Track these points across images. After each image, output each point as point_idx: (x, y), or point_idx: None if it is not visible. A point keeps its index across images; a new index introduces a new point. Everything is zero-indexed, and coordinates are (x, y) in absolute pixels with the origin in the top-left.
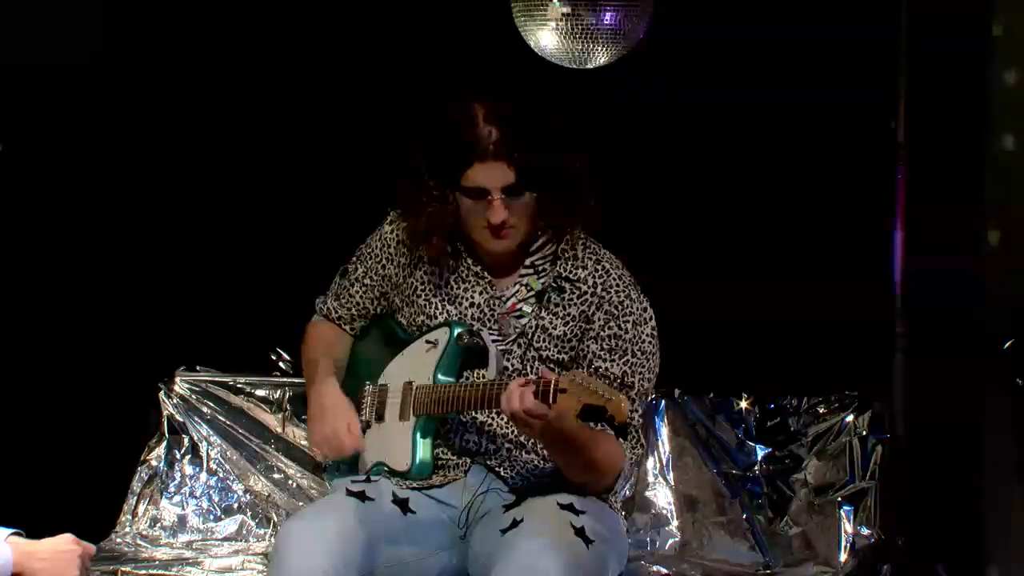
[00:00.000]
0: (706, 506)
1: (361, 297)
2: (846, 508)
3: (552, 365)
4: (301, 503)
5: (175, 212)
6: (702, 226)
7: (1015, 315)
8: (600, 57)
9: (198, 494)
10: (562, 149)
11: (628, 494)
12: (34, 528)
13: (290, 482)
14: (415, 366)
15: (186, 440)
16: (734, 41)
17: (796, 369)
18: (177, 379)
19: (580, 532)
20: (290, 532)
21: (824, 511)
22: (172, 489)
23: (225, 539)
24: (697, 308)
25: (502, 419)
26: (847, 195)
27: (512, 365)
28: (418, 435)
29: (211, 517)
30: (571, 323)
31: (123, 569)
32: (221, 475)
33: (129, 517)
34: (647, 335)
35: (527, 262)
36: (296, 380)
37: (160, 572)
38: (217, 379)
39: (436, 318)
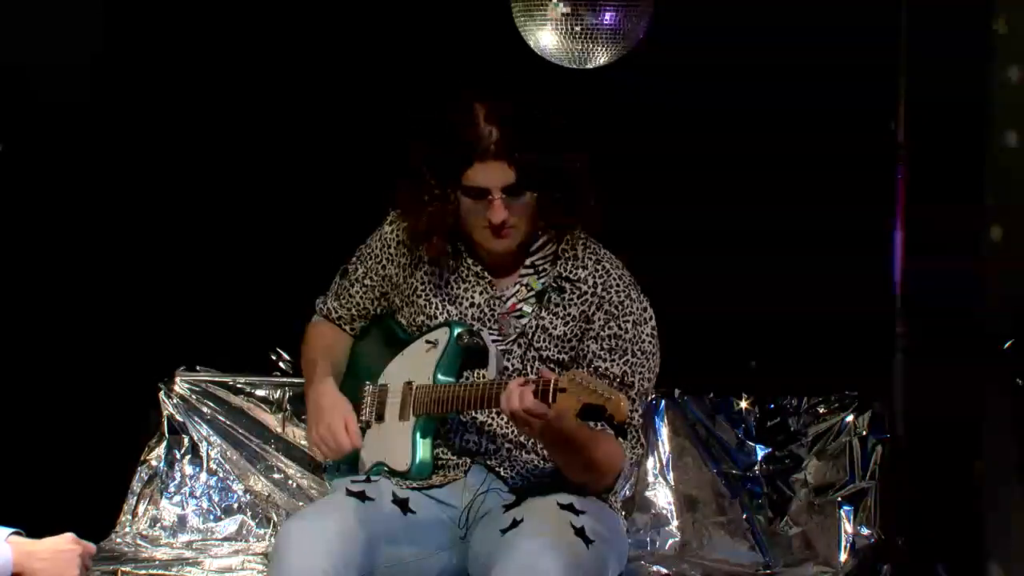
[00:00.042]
0: (706, 506)
1: (361, 297)
2: (846, 508)
3: (552, 365)
4: (301, 503)
5: (175, 212)
6: (702, 226)
7: (1015, 315)
8: (600, 57)
9: (198, 494)
10: (562, 149)
11: (628, 494)
12: (34, 528)
13: (290, 482)
14: (415, 366)
15: (186, 440)
16: (734, 41)
17: (796, 369)
18: (177, 379)
19: (580, 532)
20: (290, 532)
21: (824, 511)
22: (172, 489)
23: (225, 539)
24: (697, 308)
25: (502, 419)
26: (847, 195)
27: (512, 365)
28: (418, 435)
29: (211, 517)
30: (571, 323)
31: (123, 569)
32: (221, 475)
33: (129, 517)
34: (647, 335)
35: (527, 262)
36: (296, 380)
37: (160, 572)
38: (217, 379)
39: (436, 318)
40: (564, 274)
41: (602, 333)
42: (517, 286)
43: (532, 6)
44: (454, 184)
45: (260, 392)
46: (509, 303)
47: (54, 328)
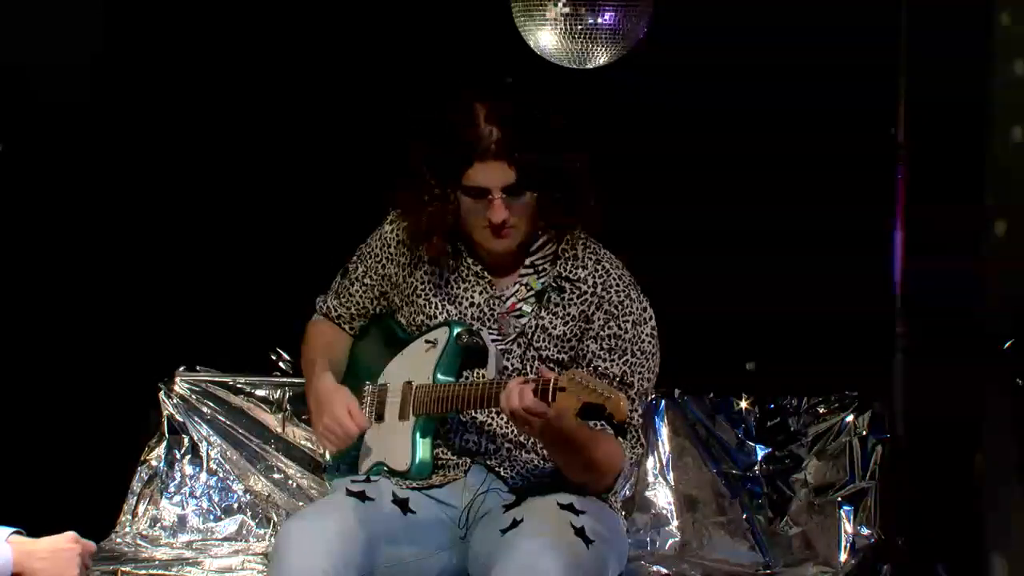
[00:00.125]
0: (706, 506)
1: (361, 296)
2: (846, 508)
3: (552, 365)
4: (301, 503)
5: (175, 212)
6: (702, 226)
7: (1015, 315)
8: (600, 57)
9: (198, 494)
10: (562, 149)
11: (628, 494)
12: (35, 528)
13: (290, 482)
14: (415, 366)
15: (186, 440)
16: (734, 41)
17: (796, 369)
18: (177, 379)
19: (580, 532)
20: (290, 532)
21: (824, 511)
22: (172, 489)
23: (225, 539)
24: (697, 308)
25: (502, 419)
26: (847, 195)
27: (512, 365)
28: (418, 435)
29: (211, 517)
30: (571, 323)
31: (123, 569)
32: (221, 475)
33: (129, 517)
34: (647, 335)
35: (527, 262)
36: (296, 380)
37: (160, 572)
38: (217, 379)
39: (436, 318)
40: (564, 274)
41: (602, 333)
42: (517, 286)
43: (532, 6)
44: (454, 184)
45: (260, 392)
46: (509, 303)
47: (54, 328)
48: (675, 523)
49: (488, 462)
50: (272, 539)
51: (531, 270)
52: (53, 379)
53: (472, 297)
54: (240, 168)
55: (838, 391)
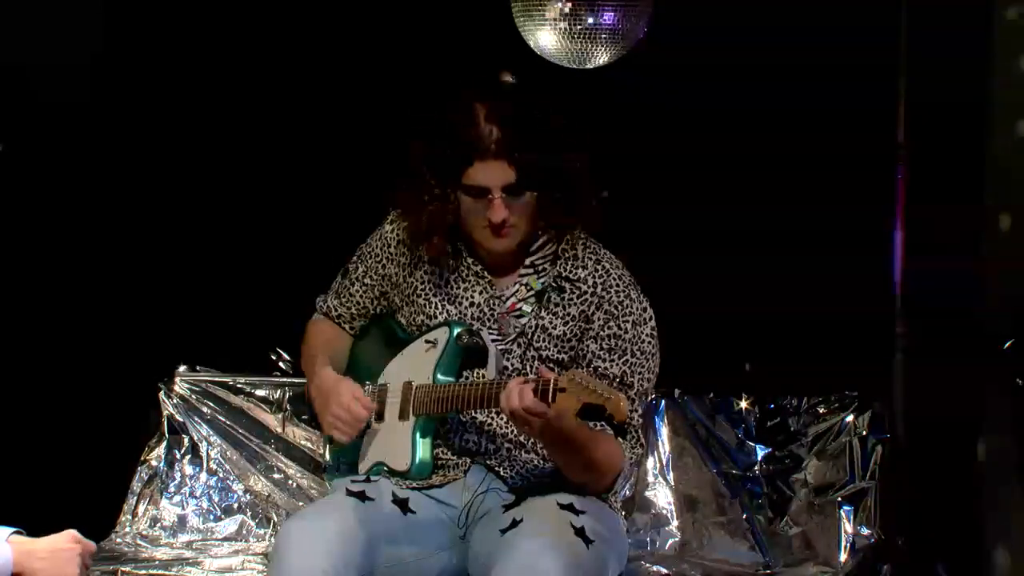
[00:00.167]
0: (706, 506)
1: (361, 296)
2: (846, 508)
3: (552, 365)
4: (301, 503)
5: (175, 212)
6: (702, 226)
7: (1015, 315)
8: (600, 57)
9: (198, 494)
10: (562, 149)
11: (628, 494)
12: (35, 528)
13: (290, 482)
14: (415, 366)
15: (186, 440)
16: (734, 41)
17: (796, 369)
18: (177, 379)
19: (580, 532)
20: (290, 532)
21: (824, 511)
22: (172, 489)
23: (225, 539)
24: (697, 308)
25: (502, 419)
26: (847, 195)
27: (512, 365)
28: (418, 435)
29: (211, 517)
30: (571, 323)
31: (123, 569)
32: (221, 475)
33: (129, 517)
34: (647, 335)
35: (527, 262)
36: (296, 380)
37: (160, 572)
38: (217, 379)
39: (436, 318)
40: (564, 274)
41: (602, 333)
42: (517, 286)
43: (532, 6)
44: (454, 184)
45: (260, 392)
46: (509, 303)
47: (54, 328)
48: (675, 523)
49: (488, 462)
50: (272, 539)
51: (531, 270)
52: (53, 379)
53: (472, 297)
54: (240, 168)
55: (838, 391)
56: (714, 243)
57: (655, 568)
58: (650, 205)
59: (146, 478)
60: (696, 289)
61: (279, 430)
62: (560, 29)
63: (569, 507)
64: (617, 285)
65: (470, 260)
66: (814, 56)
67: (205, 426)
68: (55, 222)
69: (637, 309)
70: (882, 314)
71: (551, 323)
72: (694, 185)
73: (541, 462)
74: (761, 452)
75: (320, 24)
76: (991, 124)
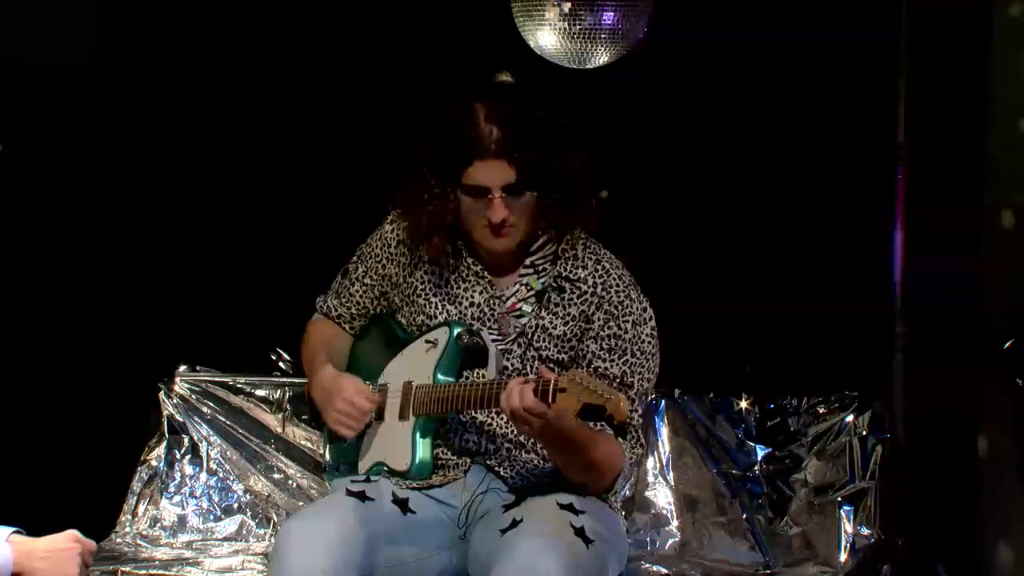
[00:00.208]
0: (706, 506)
1: (361, 296)
2: (846, 508)
3: (552, 365)
4: (301, 503)
5: (175, 212)
6: (702, 226)
7: (1015, 315)
8: (600, 57)
9: (198, 494)
10: (562, 149)
11: (628, 494)
12: (35, 528)
13: (290, 482)
14: (415, 366)
15: (186, 440)
16: (734, 41)
17: (796, 369)
18: (177, 379)
19: (580, 532)
20: (290, 532)
21: (824, 511)
22: (172, 489)
23: (225, 539)
24: (697, 308)
25: (502, 419)
26: (847, 195)
27: (512, 365)
28: (418, 435)
29: (211, 517)
30: (571, 323)
31: (123, 569)
32: (221, 475)
33: (129, 517)
34: (647, 335)
35: (527, 262)
36: (296, 380)
37: (160, 572)
38: (217, 379)
39: (436, 318)
40: (564, 274)
41: (602, 333)
42: (517, 286)
43: (532, 6)
44: (454, 183)
45: (260, 392)
46: (509, 303)
47: (54, 328)
48: (675, 523)
49: (488, 462)
50: (272, 539)
51: (531, 270)
52: (54, 379)
53: (472, 297)
54: (240, 168)
55: (838, 391)
56: (714, 243)
57: (655, 568)
58: (650, 205)
59: (146, 478)
60: (696, 289)
61: (279, 430)
62: (560, 29)
63: (569, 507)
64: (617, 285)
65: (470, 260)
66: (814, 56)
67: (205, 426)
68: (55, 222)
69: (637, 309)
70: (882, 314)
71: (551, 323)
72: (694, 185)
73: (541, 462)
74: (761, 452)
75: (320, 24)
76: (991, 124)
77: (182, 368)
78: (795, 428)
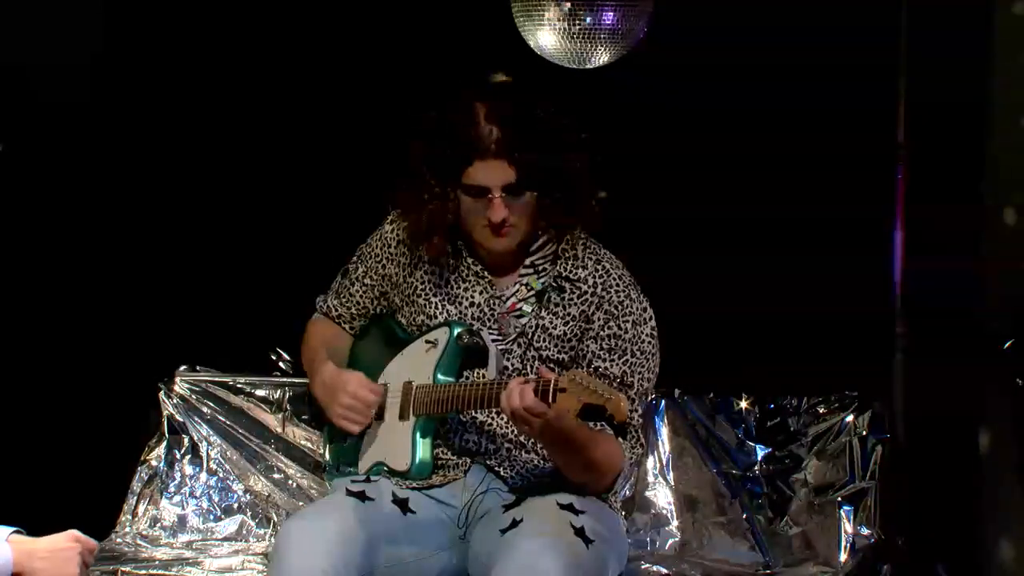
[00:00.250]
0: (706, 506)
1: (361, 296)
2: (846, 508)
3: (552, 365)
4: (301, 503)
5: (175, 212)
6: (702, 226)
7: (1015, 315)
8: (600, 57)
9: (198, 494)
10: (562, 149)
11: (628, 494)
12: (35, 528)
13: (290, 482)
14: (415, 366)
15: (186, 440)
16: (734, 41)
17: (796, 369)
18: (177, 379)
19: (580, 532)
20: (290, 532)
21: (824, 511)
22: (172, 489)
23: (225, 539)
24: (697, 308)
25: (502, 419)
26: (847, 195)
27: (512, 365)
28: (418, 435)
29: (211, 517)
30: (571, 323)
31: (123, 569)
32: (221, 475)
33: (129, 517)
34: (647, 335)
35: (527, 262)
36: (296, 380)
37: (160, 572)
38: (217, 379)
39: (436, 318)
40: (564, 274)
41: (602, 333)
42: (517, 286)
43: (532, 6)
44: (454, 183)
45: (260, 392)
46: (509, 303)
47: (54, 328)
48: (675, 523)
49: (488, 462)
50: (272, 539)
51: (531, 270)
52: (54, 379)
53: (472, 297)
54: (240, 168)
55: (838, 391)
56: (714, 243)
57: (655, 568)
58: (650, 205)
59: (146, 478)
60: (696, 289)
61: (279, 430)
62: (560, 29)
63: (569, 507)
64: (617, 285)
65: (470, 260)
66: (814, 56)
67: (205, 426)
68: (55, 222)
69: (637, 309)
70: (882, 314)
71: (551, 323)
72: (694, 185)
73: (541, 462)
74: (761, 452)
75: (320, 24)
76: (991, 123)
77: (182, 368)
78: (795, 428)
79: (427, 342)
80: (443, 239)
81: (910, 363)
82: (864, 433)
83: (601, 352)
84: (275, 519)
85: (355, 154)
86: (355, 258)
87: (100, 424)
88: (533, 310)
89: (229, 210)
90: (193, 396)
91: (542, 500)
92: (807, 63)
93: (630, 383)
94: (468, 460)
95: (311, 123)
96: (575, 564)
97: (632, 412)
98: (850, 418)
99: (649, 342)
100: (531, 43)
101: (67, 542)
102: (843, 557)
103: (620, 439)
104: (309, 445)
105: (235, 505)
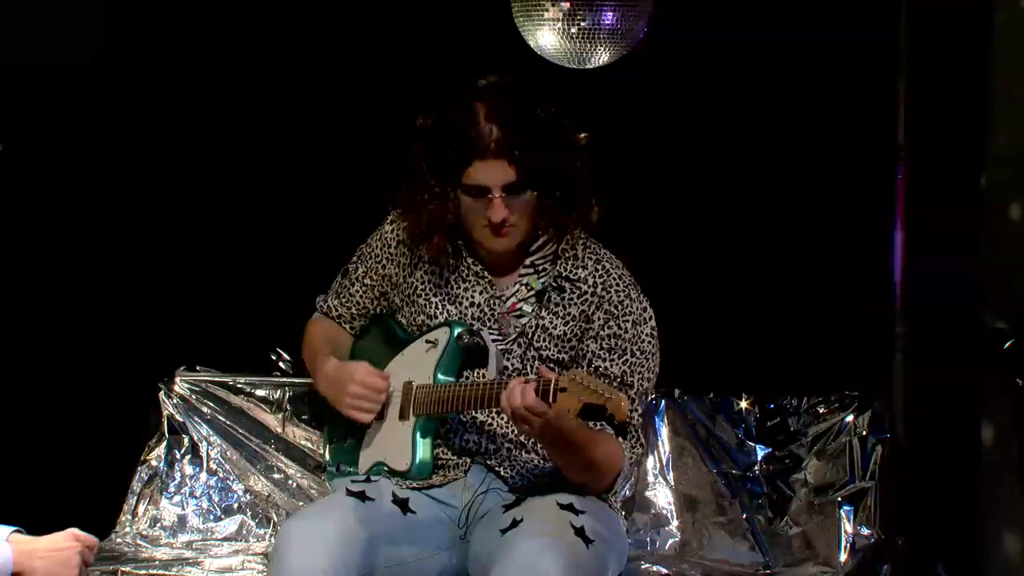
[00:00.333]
0: (706, 506)
1: (361, 296)
2: (846, 508)
3: (552, 365)
4: (301, 503)
5: (175, 212)
6: (702, 226)
7: (1015, 315)
8: (600, 57)
9: (198, 494)
10: (562, 149)
11: (628, 494)
12: (35, 528)
13: (290, 482)
14: (415, 366)
15: (186, 440)
16: (734, 41)
17: (796, 369)
18: (177, 379)
19: (580, 532)
20: (290, 532)
21: (824, 511)
22: (172, 489)
23: (225, 539)
24: (697, 308)
25: (502, 419)
26: (847, 195)
27: (512, 365)
28: (418, 435)
29: (211, 517)
30: (571, 323)
31: (123, 569)
32: (221, 475)
33: (129, 517)
34: (647, 335)
35: (527, 261)
36: (296, 380)
37: (160, 572)
38: (217, 379)
39: (436, 318)
40: (564, 274)
41: (602, 333)
42: (517, 285)
43: (532, 6)
44: (454, 183)
45: (260, 392)
46: (509, 302)
47: (54, 328)
48: (675, 523)
49: (488, 462)
50: (272, 539)
51: (531, 270)
52: (53, 379)
53: (472, 297)
54: (240, 168)
55: (838, 391)
56: (714, 243)
57: (655, 568)
58: (650, 205)
59: (146, 478)
60: (696, 289)
61: (279, 430)
62: (560, 29)
63: (569, 507)
64: (617, 285)
65: (470, 260)
66: (814, 56)
67: (205, 426)
68: (55, 222)
69: (637, 309)
70: (882, 314)
71: (551, 323)
72: (694, 185)
73: (541, 462)
74: (761, 452)
75: (320, 24)
76: (991, 123)
77: (182, 368)
78: (795, 428)
79: (427, 342)
80: (443, 239)
81: (910, 363)
82: (864, 433)
83: (601, 352)
84: (275, 519)
85: (355, 154)
86: (355, 258)
87: (100, 424)
88: (533, 310)
89: (229, 210)
90: (193, 396)
91: (542, 500)
92: (807, 63)
93: (630, 383)
94: (468, 460)
95: (311, 123)
96: (575, 564)
97: (632, 412)
98: (850, 418)
99: (649, 342)
100: (531, 43)
101: (67, 541)
102: (843, 557)
103: (620, 439)
104: (309, 445)
105: (235, 505)
